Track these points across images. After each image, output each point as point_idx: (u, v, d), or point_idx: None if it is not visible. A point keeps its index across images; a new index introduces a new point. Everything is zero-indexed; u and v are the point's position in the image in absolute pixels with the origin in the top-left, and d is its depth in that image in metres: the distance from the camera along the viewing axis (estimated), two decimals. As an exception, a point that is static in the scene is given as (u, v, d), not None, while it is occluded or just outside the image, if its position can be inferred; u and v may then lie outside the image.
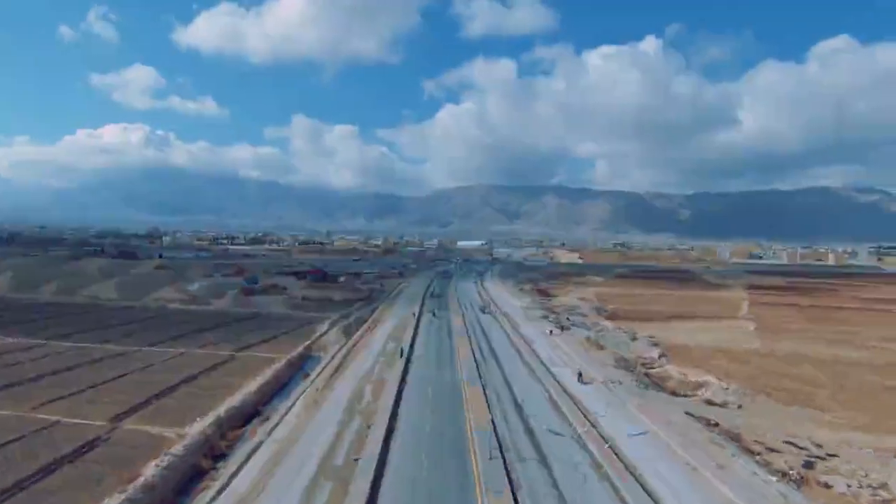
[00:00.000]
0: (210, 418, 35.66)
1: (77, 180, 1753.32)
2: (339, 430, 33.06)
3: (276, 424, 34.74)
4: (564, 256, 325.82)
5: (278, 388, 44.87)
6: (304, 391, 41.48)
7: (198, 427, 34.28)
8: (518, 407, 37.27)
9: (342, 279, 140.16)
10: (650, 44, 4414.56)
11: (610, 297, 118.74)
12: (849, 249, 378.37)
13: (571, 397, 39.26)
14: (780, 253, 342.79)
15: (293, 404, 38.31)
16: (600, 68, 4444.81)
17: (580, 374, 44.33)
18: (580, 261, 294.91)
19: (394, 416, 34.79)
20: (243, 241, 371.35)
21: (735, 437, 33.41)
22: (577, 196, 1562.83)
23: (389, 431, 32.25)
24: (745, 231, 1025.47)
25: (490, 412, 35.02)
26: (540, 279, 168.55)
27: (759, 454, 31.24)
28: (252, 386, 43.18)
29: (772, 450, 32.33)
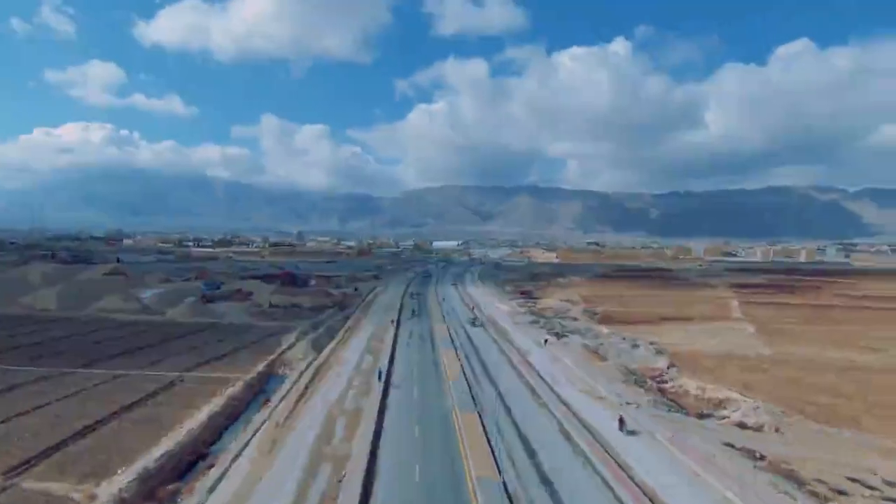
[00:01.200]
0: (135, 470, 27.80)
1: (35, 181, 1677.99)
2: (303, 483, 25.68)
3: (223, 475, 27.16)
4: (541, 256, 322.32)
5: (231, 420, 37.15)
6: (262, 425, 33.85)
7: (117, 484, 26.44)
8: (525, 441, 30.52)
9: (313, 283, 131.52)
10: (620, 45, 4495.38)
11: (596, 299, 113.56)
12: (816, 246, 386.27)
13: (600, 441, 32.54)
14: (754, 250, 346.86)
15: (246, 444, 30.68)
16: (571, 69, 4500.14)
17: (622, 421, 32.57)
18: (557, 260, 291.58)
19: (372, 461, 27.52)
20: (210, 244, 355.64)
21: (793, 477, 27.37)
22: (550, 196, 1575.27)
23: (367, 485, 25.04)
24: (712, 229, 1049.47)
25: (493, 455, 28.07)
26: (521, 280, 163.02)
27: (829, 500, 25.24)
28: (197, 419, 35.31)
29: (839, 492, 26.42)
